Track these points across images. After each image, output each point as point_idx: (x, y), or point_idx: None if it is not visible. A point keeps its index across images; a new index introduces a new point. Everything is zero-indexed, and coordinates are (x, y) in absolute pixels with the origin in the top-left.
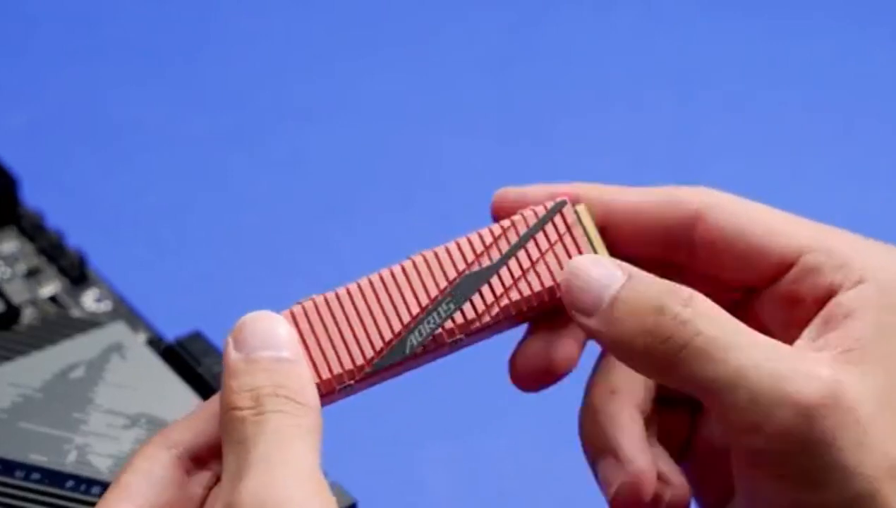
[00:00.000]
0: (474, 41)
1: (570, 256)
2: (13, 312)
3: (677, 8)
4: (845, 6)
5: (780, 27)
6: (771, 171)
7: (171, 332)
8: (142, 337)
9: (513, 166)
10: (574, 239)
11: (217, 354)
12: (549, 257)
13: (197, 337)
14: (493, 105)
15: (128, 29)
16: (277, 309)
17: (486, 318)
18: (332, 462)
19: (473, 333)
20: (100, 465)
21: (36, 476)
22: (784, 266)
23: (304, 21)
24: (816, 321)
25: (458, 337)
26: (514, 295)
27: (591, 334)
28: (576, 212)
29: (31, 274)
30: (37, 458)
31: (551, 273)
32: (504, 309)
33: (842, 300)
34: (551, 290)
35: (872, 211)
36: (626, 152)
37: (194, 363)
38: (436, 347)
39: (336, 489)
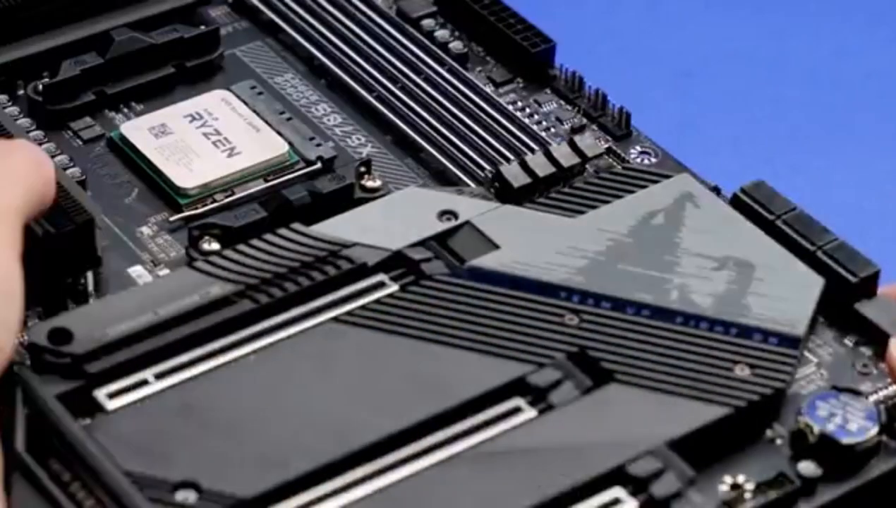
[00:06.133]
0: None
1: None
2: (564, 171)
3: (679, 6)
4: (846, 5)
5: (780, 24)
6: (771, 170)
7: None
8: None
9: None
10: None
11: (782, 200)
12: None
13: (761, 185)
14: None
15: None
16: None
17: None
18: None
19: None
20: (702, 303)
21: (646, 313)
22: None
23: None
24: None
25: None
26: None
27: None
28: None
29: (575, 131)
30: (643, 296)
31: None
32: None
33: None
34: None
35: (871, 208)
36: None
37: (762, 209)
38: None
39: None
